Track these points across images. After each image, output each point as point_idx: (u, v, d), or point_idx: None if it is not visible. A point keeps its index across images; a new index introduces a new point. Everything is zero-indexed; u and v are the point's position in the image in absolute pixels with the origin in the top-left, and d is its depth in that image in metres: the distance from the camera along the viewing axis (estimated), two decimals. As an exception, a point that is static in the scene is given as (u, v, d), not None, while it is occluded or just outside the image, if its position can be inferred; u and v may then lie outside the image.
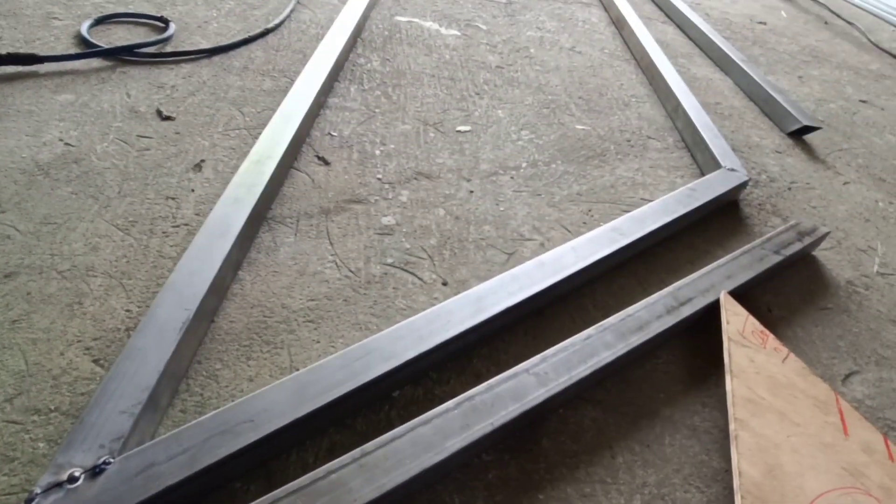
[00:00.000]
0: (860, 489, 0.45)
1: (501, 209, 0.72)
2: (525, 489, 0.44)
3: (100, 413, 0.40)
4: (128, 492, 0.36)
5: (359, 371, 0.45)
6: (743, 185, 0.80)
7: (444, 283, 0.61)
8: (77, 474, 0.36)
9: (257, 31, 1.03)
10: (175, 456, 0.38)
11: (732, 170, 0.80)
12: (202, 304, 0.49)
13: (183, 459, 0.38)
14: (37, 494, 0.35)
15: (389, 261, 0.62)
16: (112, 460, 0.37)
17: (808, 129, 1.02)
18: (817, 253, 0.75)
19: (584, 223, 0.72)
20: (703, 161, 0.87)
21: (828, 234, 0.73)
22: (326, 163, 0.74)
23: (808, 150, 1.00)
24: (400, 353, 0.47)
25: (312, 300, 0.56)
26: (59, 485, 0.36)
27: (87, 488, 0.36)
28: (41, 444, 0.42)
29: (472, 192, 0.74)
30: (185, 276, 0.51)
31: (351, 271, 0.60)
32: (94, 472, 0.37)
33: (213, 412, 0.41)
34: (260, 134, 0.71)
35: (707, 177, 0.78)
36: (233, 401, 0.42)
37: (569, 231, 0.70)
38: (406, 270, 0.61)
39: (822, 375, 0.57)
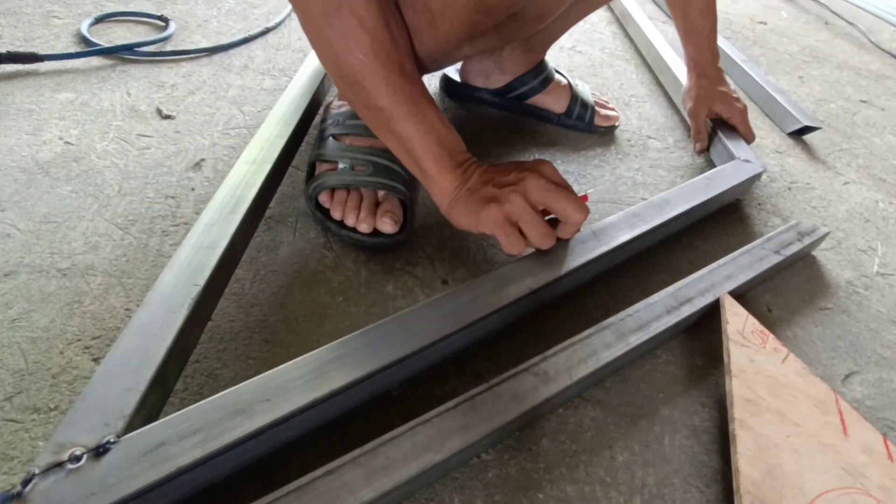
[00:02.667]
0: (860, 490, 0.45)
1: (501, 209, 0.72)
2: (525, 488, 0.45)
3: (103, 389, 0.38)
4: (136, 473, 0.34)
5: (383, 348, 0.45)
6: (757, 177, 0.80)
7: (445, 282, 0.61)
8: (79, 453, 0.34)
9: (258, 30, 1.03)
10: (187, 436, 0.37)
11: (747, 161, 0.80)
12: (209, 282, 0.48)
13: (195, 440, 0.36)
14: (35, 475, 0.33)
15: (389, 260, 0.62)
16: (118, 439, 0.36)
17: (808, 129, 1.02)
18: (817, 253, 0.75)
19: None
20: (716, 153, 0.87)
21: (828, 234, 0.73)
22: (326, 162, 0.73)
23: (809, 150, 1.00)
24: (425, 332, 0.47)
25: (312, 299, 0.56)
26: (59, 465, 0.34)
27: (90, 469, 0.34)
28: (41, 443, 0.42)
29: (472, 191, 0.74)
30: (190, 252, 0.50)
31: (350, 270, 0.60)
32: (99, 451, 0.35)
33: (227, 391, 0.40)
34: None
35: (722, 167, 0.79)
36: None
37: (569, 231, 0.70)
38: (406, 270, 0.61)
39: (821, 375, 0.57)
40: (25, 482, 0.33)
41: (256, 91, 0.87)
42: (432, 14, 0.51)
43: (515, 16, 0.54)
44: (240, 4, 1.13)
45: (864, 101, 1.24)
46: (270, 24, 1.05)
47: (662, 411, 0.52)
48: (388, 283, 0.60)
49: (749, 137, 0.86)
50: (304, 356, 0.44)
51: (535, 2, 0.54)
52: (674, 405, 0.53)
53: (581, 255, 0.58)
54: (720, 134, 0.86)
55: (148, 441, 0.36)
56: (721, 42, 1.31)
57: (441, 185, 0.55)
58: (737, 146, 0.84)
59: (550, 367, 0.49)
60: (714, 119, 0.88)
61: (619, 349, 0.51)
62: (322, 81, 0.82)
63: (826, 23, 1.70)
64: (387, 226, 0.61)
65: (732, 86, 0.89)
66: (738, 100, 0.87)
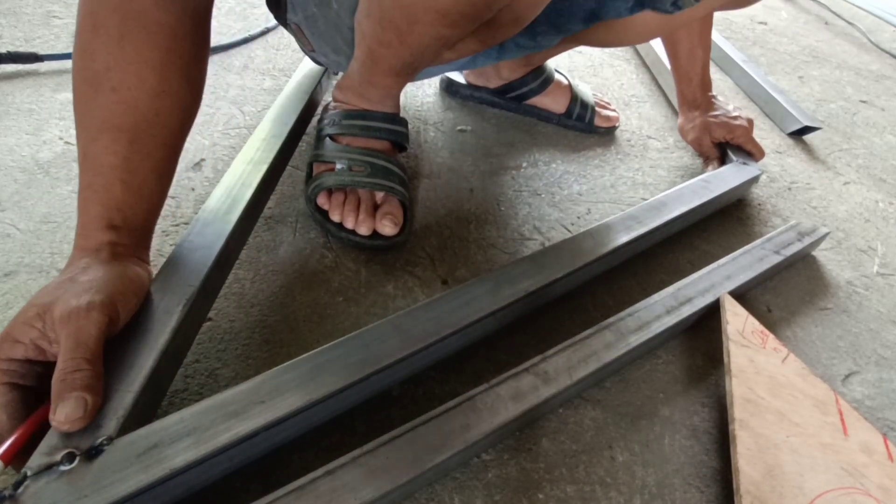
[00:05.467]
0: (860, 490, 0.46)
1: (502, 209, 0.72)
2: (525, 489, 0.45)
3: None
4: (129, 475, 0.34)
5: (378, 352, 0.45)
6: (755, 179, 0.80)
7: (445, 282, 0.61)
8: (72, 455, 0.34)
9: (258, 30, 1.03)
10: (180, 438, 0.37)
11: (745, 163, 0.81)
12: (204, 282, 0.48)
13: (189, 442, 0.36)
14: (27, 476, 0.33)
15: (389, 260, 0.62)
16: (111, 441, 0.36)
17: (808, 130, 1.02)
18: (817, 253, 0.75)
19: (582, 217, 0.72)
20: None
21: (828, 234, 0.73)
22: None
23: (809, 150, 1.00)
24: (420, 334, 0.47)
25: (312, 299, 0.56)
26: (52, 466, 0.34)
27: (83, 470, 0.34)
28: (40, 443, 0.42)
29: (472, 190, 0.74)
30: (185, 253, 0.50)
31: (350, 270, 0.60)
32: (91, 453, 0.35)
33: (221, 392, 0.40)
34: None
35: (720, 169, 0.79)
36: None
37: (569, 231, 0.70)
38: (406, 270, 0.61)
39: (821, 376, 0.57)
40: (17, 483, 0.33)
41: (256, 91, 0.87)
42: (399, 30, 0.50)
43: (490, 23, 0.53)
44: (240, 4, 1.13)
45: (864, 102, 1.24)
46: (270, 25, 1.05)
47: (662, 411, 0.52)
48: (388, 283, 0.60)
49: (757, 154, 0.84)
50: (299, 358, 0.44)
51: (506, 10, 0.52)
52: (674, 405, 0.53)
53: (578, 257, 0.58)
54: (727, 149, 0.85)
55: (141, 443, 0.36)
56: (721, 42, 1.31)
57: None
58: (736, 149, 0.84)
59: (550, 367, 0.49)
60: (719, 144, 0.86)
61: (619, 349, 0.51)
62: (319, 81, 0.82)
63: (826, 23, 1.70)
64: (387, 228, 0.61)
65: (731, 106, 0.87)
66: (737, 118, 0.85)
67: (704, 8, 0.65)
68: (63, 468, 0.34)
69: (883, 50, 1.56)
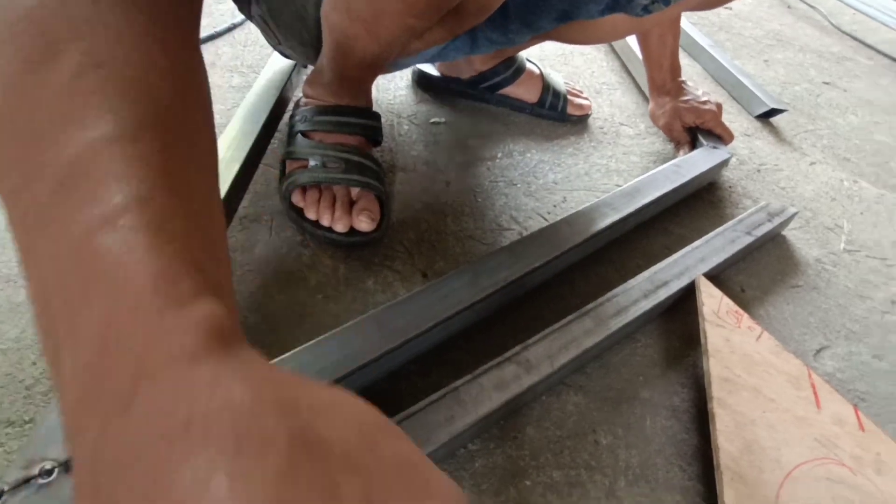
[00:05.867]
0: (833, 460, 0.47)
1: (479, 200, 0.72)
2: (511, 476, 0.45)
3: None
4: None
5: (360, 348, 0.45)
6: (725, 162, 0.81)
7: (424, 275, 0.61)
8: (50, 468, 0.33)
9: (223, 26, 1.01)
10: None
11: (714, 147, 0.82)
12: None
13: None
14: (3, 492, 0.32)
15: (367, 255, 0.62)
16: None
17: (774, 112, 1.04)
18: (787, 232, 0.77)
19: (558, 206, 0.73)
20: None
21: (796, 213, 0.75)
22: (300, 159, 0.72)
23: (776, 132, 1.02)
24: (401, 329, 0.47)
25: (291, 298, 0.56)
26: (29, 480, 0.33)
27: (62, 483, 0.33)
28: (16, 457, 0.41)
29: (448, 183, 0.74)
30: None
31: (328, 267, 0.60)
32: (70, 465, 0.34)
33: None
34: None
35: (690, 154, 0.80)
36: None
37: (545, 219, 0.71)
38: (385, 265, 0.61)
39: (794, 351, 0.59)
40: None
41: (225, 89, 0.85)
42: (366, 22, 0.50)
43: (457, 11, 0.53)
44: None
45: (826, 83, 1.27)
46: (237, 21, 1.03)
47: (643, 394, 0.53)
48: (367, 278, 0.59)
49: (726, 138, 0.86)
50: (280, 358, 0.43)
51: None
52: (653, 387, 0.54)
53: (555, 245, 0.59)
54: (697, 133, 0.87)
55: None
56: (688, 27, 1.33)
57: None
58: (706, 133, 0.85)
59: (532, 355, 0.49)
60: (690, 128, 0.87)
61: (599, 335, 0.52)
62: (290, 77, 0.80)
63: (788, 7, 1.74)
64: (364, 224, 0.60)
65: (700, 91, 0.89)
66: (705, 102, 0.86)
67: (673, 11, 0.66)
68: (41, 482, 0.33)
69: (843, 32, 1.59)
